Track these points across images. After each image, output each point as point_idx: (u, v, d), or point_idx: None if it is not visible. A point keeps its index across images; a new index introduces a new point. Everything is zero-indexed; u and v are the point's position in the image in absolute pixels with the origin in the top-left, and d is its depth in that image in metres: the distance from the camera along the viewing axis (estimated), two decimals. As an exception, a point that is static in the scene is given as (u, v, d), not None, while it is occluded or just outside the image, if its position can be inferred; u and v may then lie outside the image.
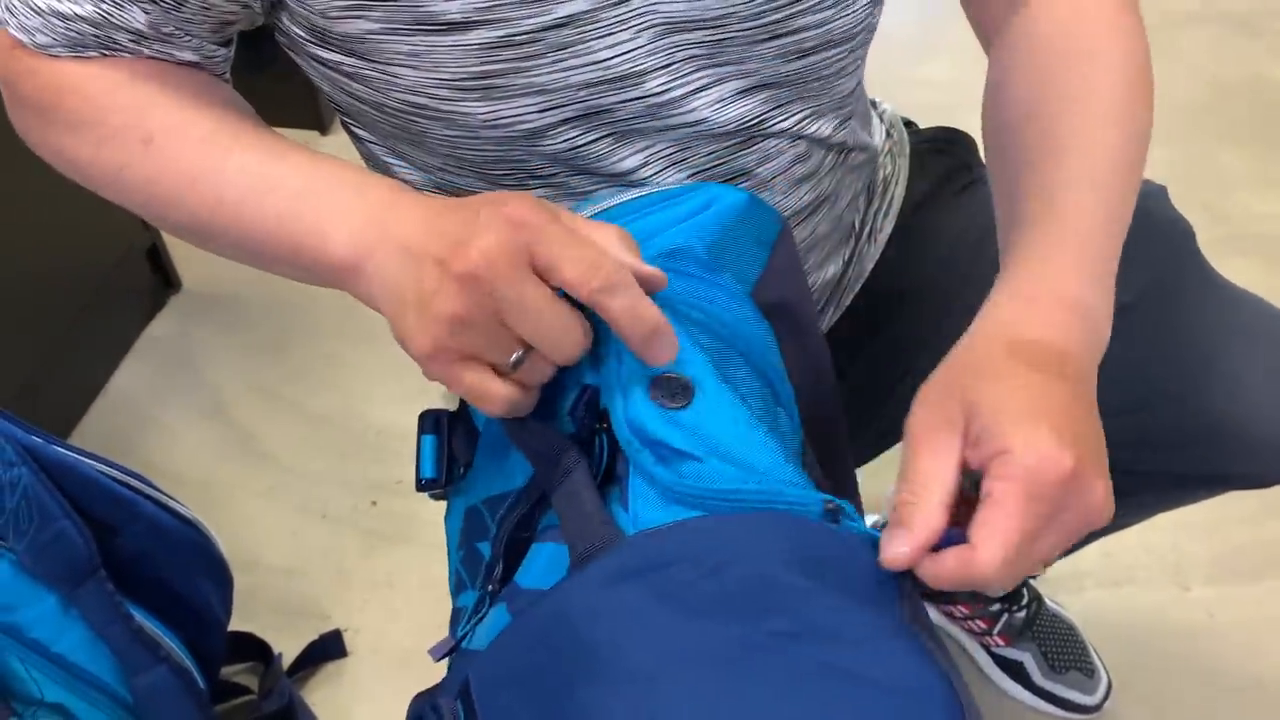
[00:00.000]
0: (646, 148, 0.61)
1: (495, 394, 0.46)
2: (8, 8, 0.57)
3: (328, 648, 1.09)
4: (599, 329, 0.47)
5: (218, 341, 1.40)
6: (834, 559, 0.43)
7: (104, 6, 0.54)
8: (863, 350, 0.81)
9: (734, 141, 0.63)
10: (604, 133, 0.60)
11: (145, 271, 1.40)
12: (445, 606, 1.20)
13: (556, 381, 0.49)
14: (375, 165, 0.68)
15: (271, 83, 1.66)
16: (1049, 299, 0.51)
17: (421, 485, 0.57)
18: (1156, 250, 0.72)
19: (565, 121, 0.58)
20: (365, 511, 1.22)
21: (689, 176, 0.63)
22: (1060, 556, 1.03)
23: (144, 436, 1.30)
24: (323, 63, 0.59)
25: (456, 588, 0.56)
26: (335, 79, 0.60)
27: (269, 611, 1.12)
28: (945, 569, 0.43)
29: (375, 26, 0.54)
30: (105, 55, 0.57)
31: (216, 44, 0.60)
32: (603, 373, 0.48)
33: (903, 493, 0.45)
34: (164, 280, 1.43)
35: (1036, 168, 0.57)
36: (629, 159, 0.61)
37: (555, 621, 0.41)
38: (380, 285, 0.48)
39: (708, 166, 0.64)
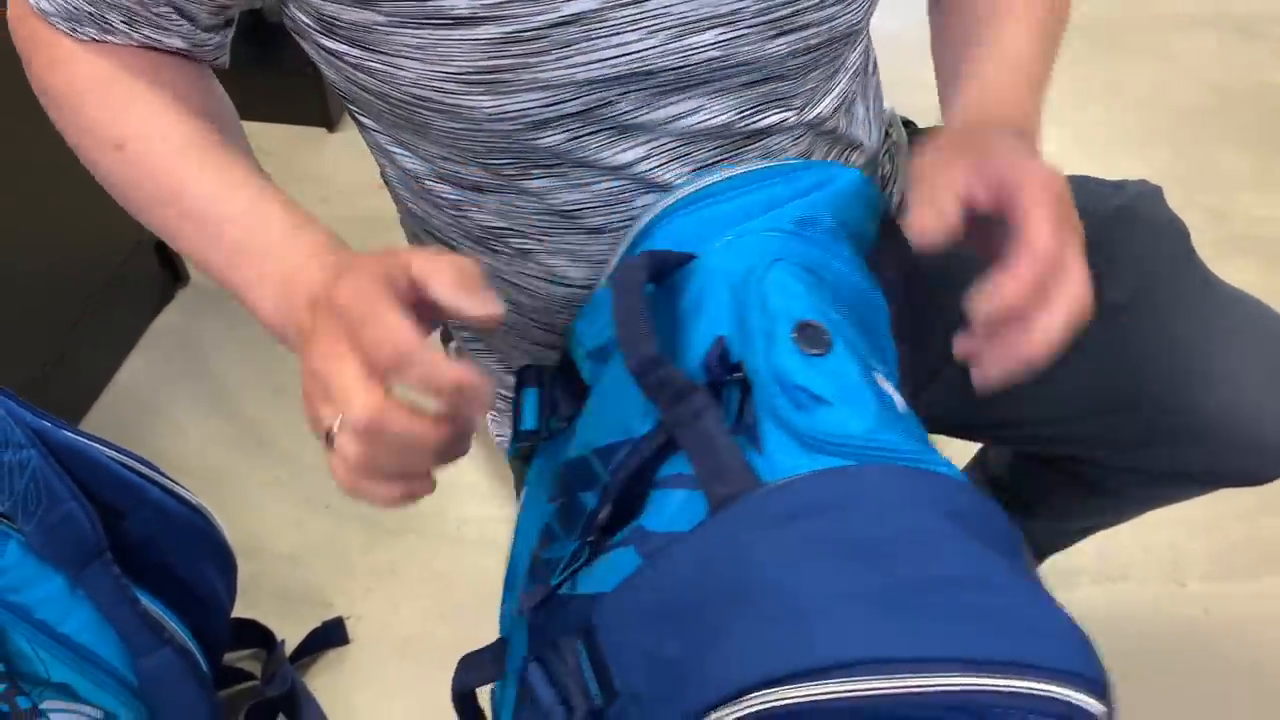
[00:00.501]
0: (648, 142, 0.62)
1: (335, 472, 0.48)
2: None
3: (330, 635, 1.10)
4: (746, 279, 0.51)
5: (224, 334, 1.41)
6: (972, 513, 0.44)
7: None
8: None
9: (738, 138, 0.64)
10: (606, 126, 0.61)
11: (153, 265, 1.41)
12: (446, 596, 1.21)
13: (686, 333, 0.51)
14: (380, 153, 0.69)
15: (279, 80, 1.68)
16: (992, 103, 0.60)
17: (520, 437, 0.59)
18: (1151, 249, 0.73)
19: (568, 116, 0.59)
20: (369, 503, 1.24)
21: (690, 171, 0.64)
22: (1058, 548, 1.04)
23: (151, 427, 1.32)
24: (329, 51, 0.61)
25: (544, 540, 0.57)
26: (340, 68, 0.61)
27: (272, 599, 1.13)
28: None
29: (382, 19, 0.56)
30: (98, 38, 0.59)
31: (210, 29, 0.61)
32: (743, 322, 0.50)
33: (916, 202, 0.51)
34: (172, 274, 1.44)
35: (974, 36, 0.66)
36: (630, 152, 0.62)
37: (706, 562, 0.43)
38: (294, 349, 0.53)
39: (710, 162, 0.65)
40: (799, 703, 0.38)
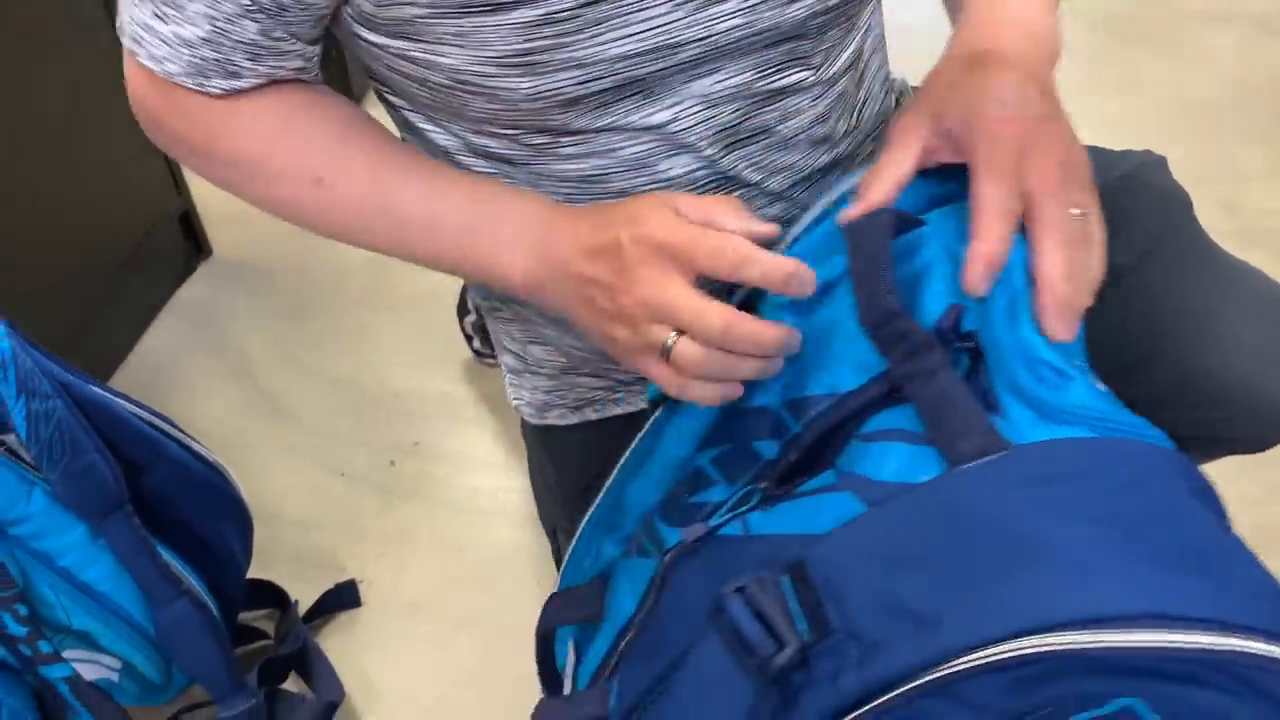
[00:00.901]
0: (673, 106, 0.64)
1: (672, 380, 0.57)
2: (135, 38, 0.61)
3: (342, 597, 1.13)
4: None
5: (245, 306, 1.44)
6: (1206, 491, 0.48)
7: (218, 24, 0.59)
8: None
9: (760, 97, 0.66)
10: (633, 94, 0.63)
11: (177, 237, 1.44)
12: (456, 561, 1.23)
13: (911, 296, 0.54)
14: (407, 129, 0.71)
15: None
16: (993, 22, 0.61)
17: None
18: (1156, 214, 0.74)
19: (602, 91, 0.62)
20: (383, 470, 1.26)
21: (715, 134, 0.66)
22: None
23: (171, 395, 1.35)
24: (368, 43, 0.63)
25: (693, 486, 0.61)
26: (379, 57, 0.64)
27: (286, 562, 1.16)
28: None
29: (422, 11, 0.58)
30: (227, 88, 0.62)
31: (313, 41, 0.64)
32: (988, 298, 0.53)
33: (867, 176, 0.57)
34: (195, 246, 1.47)
35: None
36: (655, 116, 0.64)
37: (954, 514, 0.45)
38: (559, 302, 0.62)
39: (734, 123, 0.67)
40: (1071, 649, 0.39)
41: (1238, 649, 0.39)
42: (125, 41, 0.62)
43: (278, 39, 0.61)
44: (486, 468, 1.26)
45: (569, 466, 0.86)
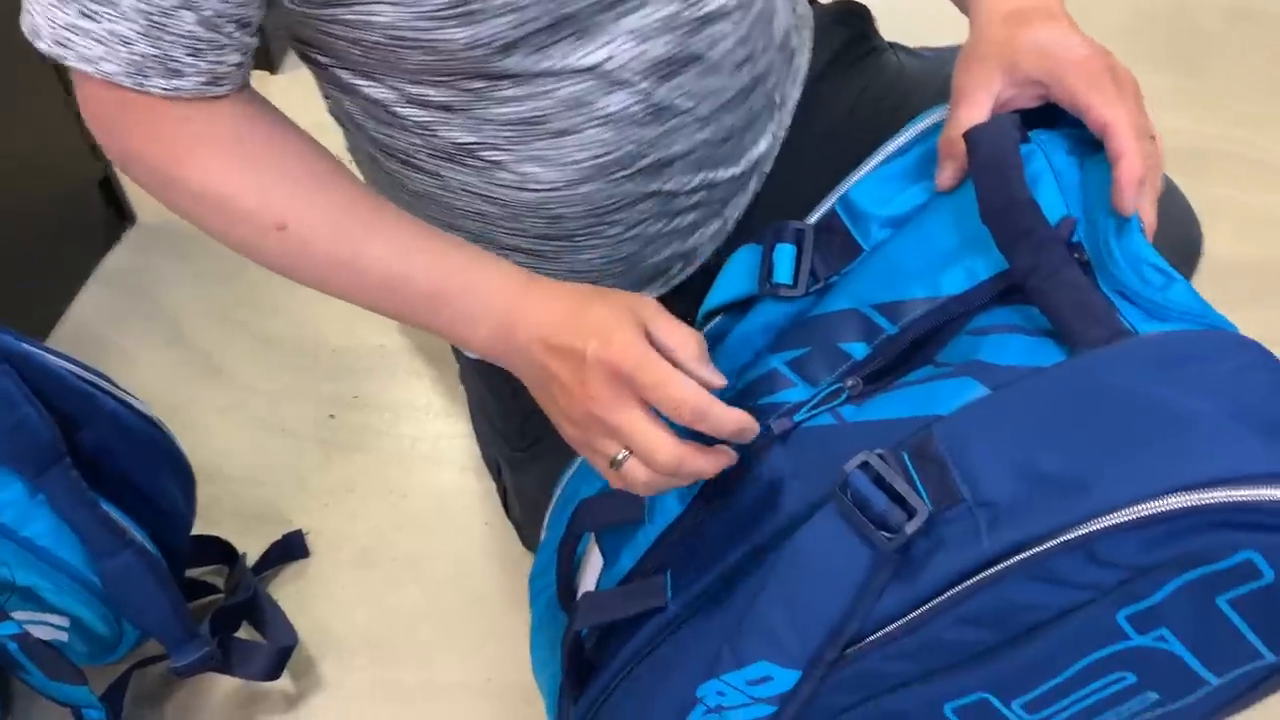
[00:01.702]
0: (608, 42, 0.66)
1: (615, 478, 0.59)
2: (59, 41, 0.58)
3: (291, 548, 1.13)
4: (1085, 172, 0.58)
5: (174, 271, 1.43)
6: None
7: (154, 18, 0.56)
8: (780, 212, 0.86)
9: (686, 27, 0.68)
10: (568, 35, 0.64)
11: (99, 204, 1.42)
12: (402, 508, 1.25)
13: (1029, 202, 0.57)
14: (338, 88, 0.71)
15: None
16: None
17: (772, 288, 0.66)
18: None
19: (538, 32, 0.63)
20: (323, 424, 1.26)
21: (648, 68, 0.68)
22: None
23: (103, 362, 1.31)
24: (298, 9, 0.62)
25: (762, 389, 0.64)
26: (306, 21, 0.64)
27: (232, 518, 1.16)
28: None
29: None
30: (169, 88, 0.59)
31: (252, 32, 0.62)
32: (1088, 209, 0.57)
33: (947, 133, 0.60)
34: (118, 213, 1.45)
35: None
36: (591, 56, 0.66)
37: (1095, 388, 0.49)
38: (515, 371, 0.64)
39: (667, 56, 0.68)
40: (1212, 504, 0.44)
41: None
42: (46, 46, 0.59)
43: (217, 29, 0.58)
44: (427, 415, 1.27)
45: (509, 396, 0.88)
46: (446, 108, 0.68)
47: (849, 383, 0.60)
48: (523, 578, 1.12)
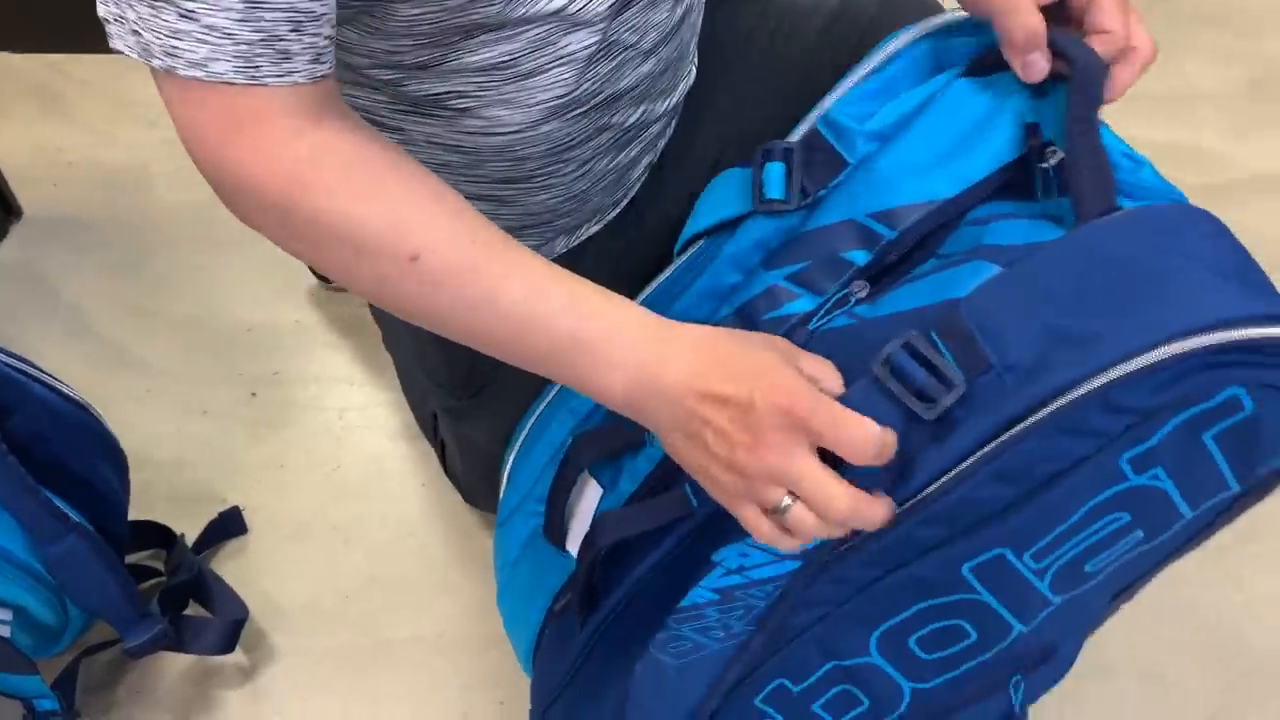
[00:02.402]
0: None
1: (770, 535, 0.57)
2: (168, 51, 0.54)
3: (228, 525, 1.13)
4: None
5: (70, 263, 1.39)
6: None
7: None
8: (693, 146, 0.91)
9: None
10: None
11: (-19, 200, 1.38)
12: (336, 478, 1.25)
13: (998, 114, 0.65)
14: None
15: (91, 5, 1.64)
16: None
17: (765, 204, 0.68)
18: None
19: None
20: (246, 403, 1.26)
21: (607, 8, 0.71)
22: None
23: (6, 360, 1.29)
24: None
25: (771, 303, 0.67)
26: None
27: (166, 502, 1.15)
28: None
29: None
30: (281, 74, 0.55)
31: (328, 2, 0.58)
32: (1056, 109, 0.63)
33: (1017, 34, 0.62)
34: (3, 207, 1.41)
35: None
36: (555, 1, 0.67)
37: (1100, 255, 0.55)
38: (655, 423, 0.59)
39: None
40: (1209, 345, 0.51)
41: None
42: (157, 61, 0.55)
43: (315, 7, 0.55)
44: (350, 386, 1.28)
45: (449, 343, 0.90)
46: (421, 66, 0.69)
47: (855, 286, 0.65)
48: (466, 533, 1.15)
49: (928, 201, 0.65)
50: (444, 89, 0.72)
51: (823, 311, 0.65)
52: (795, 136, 0.72)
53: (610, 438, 0.69)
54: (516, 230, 0.84)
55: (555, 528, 0.73)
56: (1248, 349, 0.51)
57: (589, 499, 0.71)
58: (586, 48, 0.72)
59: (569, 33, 0.70)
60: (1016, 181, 0.64)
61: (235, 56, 0.54)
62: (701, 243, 0.74)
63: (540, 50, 0.71)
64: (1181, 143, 1.49)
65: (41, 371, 0.94)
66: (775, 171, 0.70)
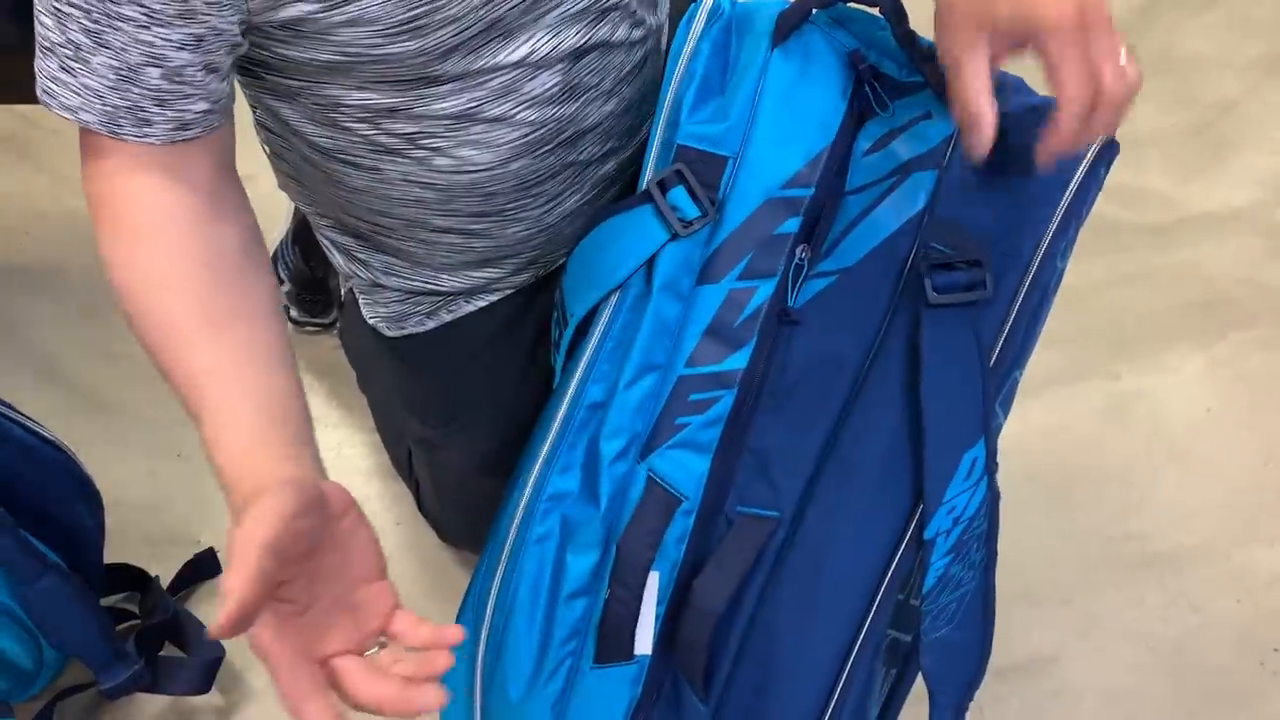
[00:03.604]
0: (528, 39, 0.72)
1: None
2: (45, 91, 0.61)
3: (203, 566, 1.13)
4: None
5: (42, 309, 1.40)
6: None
7: (122, 73, 0.60)
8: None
9: (591, 18, 0.75)
10: (497, 35, 0.70)
11: (-46, 249, 1.38)
12: (313, 517, 1.24)
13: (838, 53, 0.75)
14: (279, 96, 0.74)
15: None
16: None
17: (687, 226, 0.72)
18: None
19: (473, 38, 0.69)
20: None
21: (564, 57, 0.75)
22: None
23: (-23, 407, 1.29)
24: (258, 39, 0.66)
25: (735, 308, 0.72)
26: (263, 44, 0.66)
27: (140, 544, 1.15)
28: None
29: (313, 6, 0.63)
30: (138, 135, 0.62)
31: (219, 80, 0.64)
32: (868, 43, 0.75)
33: (963, 105, 0.63)
34: (-24, 256, 1.41)
35: None
36: (518, 51, 0.72)
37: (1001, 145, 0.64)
38: None
39: (579, 45, 0.75)
40: None
41: None
42: (39, 94, 0.62)
43: (184, 80, 0.62)
44: (324, 427, 1.29)
45: (427, 372, 0.92)
46: (390, 110, 0.73)
47: (800, 251, 0.70)
48: (441, 569, 1.16)
49: (816, 156, 0.71)
50: (415, 129, 0.75)
51: (790, 287, 0.70)
52: (654, 168, 0.76)
53: (650, 533, 0.69)
54: (491, 260, 0.87)
55: (616, 646, 0.70)
56: (1108, 141, 0.69)
57: (650, 589, 0.69)
58: (548, 90, 0.76)
59: (531, 78, 0.74)
60: (866, 105, 0.73)
61: (101, 114, 0.61)
62: (613, 298, 0.74)
63: (504, 97, 0.74)
64: (1129, 184, 1.55)
65: (17, 412, 0.95)
66: (680, 195, 0.73)
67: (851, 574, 0.67)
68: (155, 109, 0.62)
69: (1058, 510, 1.20)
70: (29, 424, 0.95)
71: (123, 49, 0.59)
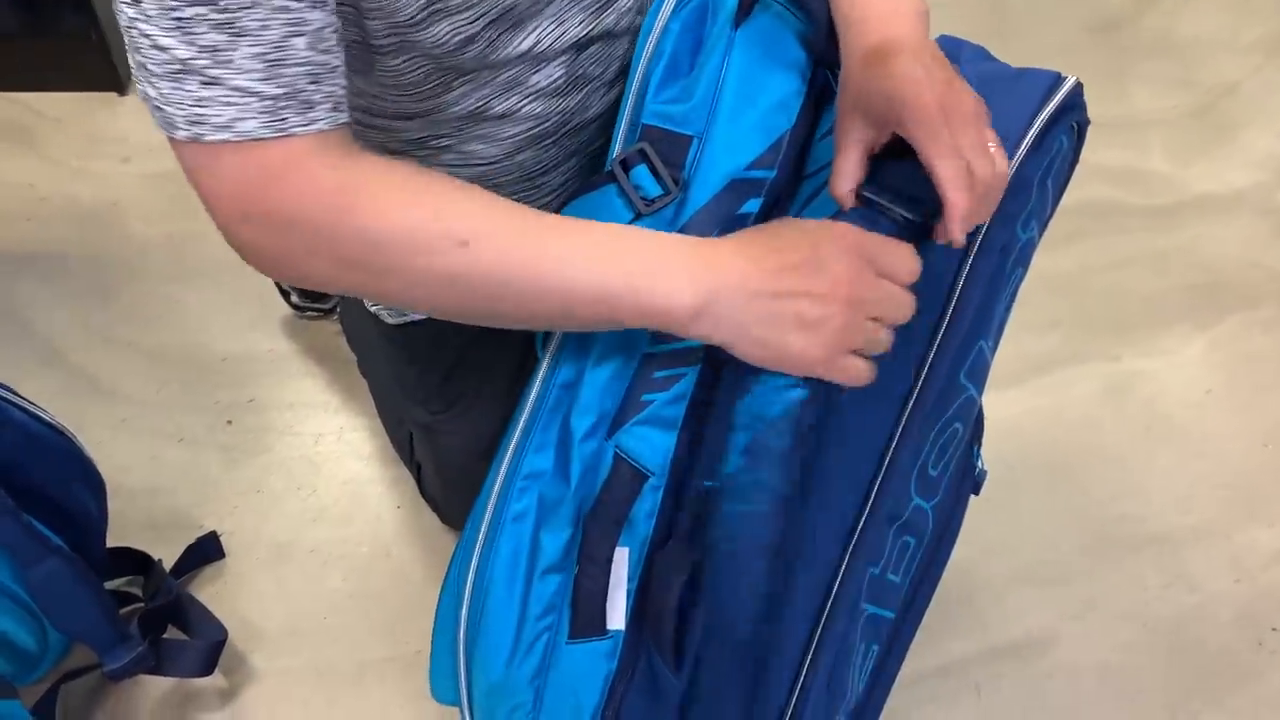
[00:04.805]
0: (535, 30, 0.72)
1: (864, 371, 0.62)
2: (193, 120, 0.56)
3: (206, 550, 1.14)
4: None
5: (44, 296, 1.40)
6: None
7: (270, 58, 0.56)
8: None
9: (596, 7, 0.75)
10: (508, 27, 0.71)
11: (-46, 234, 1.39)
12: (311, 502, 1.27)
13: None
14: None
15: (62, 46, 1.66)
16: (874, 19, 0.66)
17: (650, 204, 0.71)
18: None
19: (488, 26, 0.69)
20: (222, 430, 1.27)
21: (567, 47, 0.75)
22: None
23: (-20, 392, 1.30)
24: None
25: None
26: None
27: (142, 529, 1.16)
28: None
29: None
30: (305, 123, 0.58)
31: (342, 55, 0.62)
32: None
33: (836, 188, 0.65)
34: (-24, 242, 1.42)
35: None
36: (525, 42, 0.72)
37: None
38: (726, 321, 0.61)
39: (583, 36, 0.75)
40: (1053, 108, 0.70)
41: None
42: (181, 132, 0.57)
43: (325, 49, 0.58)
44: (326, 412, 1.30)
45: (428, 357, 0.93)
46: (406, 116, 0.74)
47: (775, 207, 0.71)
48: (443, 553, 1.16)
49: (779, 137, 0.71)
50: (426, 133, 0.76)
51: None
52: (622, 145, 0.75)
53: (616, 509, 0.68)
54: None
55: (589, 621, 0.69)
56: (1062, 108, 0.70)
57: (619, 564, 0.69)
58: (553, 81, 0.76)
59: (535, 71, 0.75)
60: (826, 87, 0.73)
61: (261, 113, 0.56)
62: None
63: (510, 91, 0.75)
64: (1132, 166, 1.55)
65: (20, 397, 0.96)
66: (643, 174, 0.72)
67: (820, 546, 0.67)
68: (312, 87, 0.58)
69: (1057, 491, 1.20)
70: (32, 408, 0.96)
71: (262, 27, 0.55)
